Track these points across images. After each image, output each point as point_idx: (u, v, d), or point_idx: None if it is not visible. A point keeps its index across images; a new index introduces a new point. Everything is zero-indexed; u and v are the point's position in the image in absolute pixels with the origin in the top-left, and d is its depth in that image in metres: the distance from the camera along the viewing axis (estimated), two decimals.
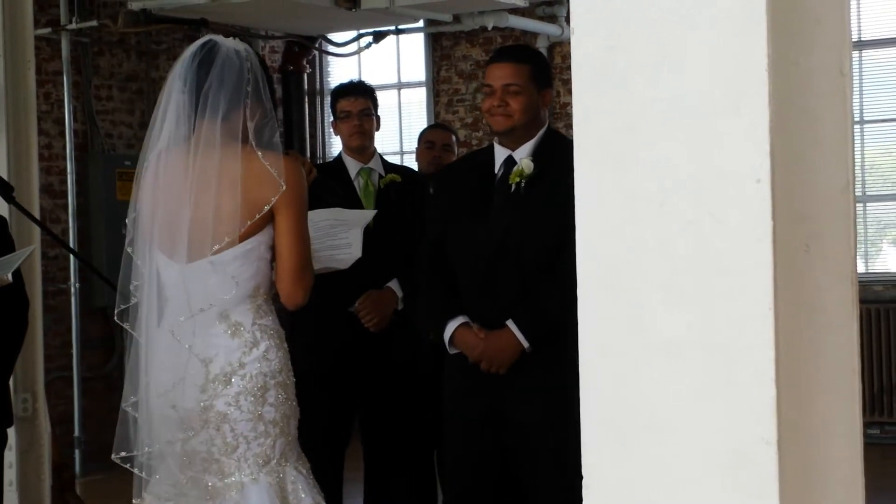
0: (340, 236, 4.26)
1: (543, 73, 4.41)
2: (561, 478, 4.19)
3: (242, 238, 3.63)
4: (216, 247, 3.60)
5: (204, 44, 3.69)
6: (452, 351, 4.31)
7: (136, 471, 3.68)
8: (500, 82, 4.26)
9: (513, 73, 4.27)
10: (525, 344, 4.19)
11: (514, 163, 4.29)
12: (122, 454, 3.66)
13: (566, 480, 4.19)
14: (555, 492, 4.23)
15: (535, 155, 4.28)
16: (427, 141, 6.58)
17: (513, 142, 4.31)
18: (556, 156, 4.26)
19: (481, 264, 4.26)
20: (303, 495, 3.69)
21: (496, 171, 4.33)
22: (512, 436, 4.27)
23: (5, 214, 4.93)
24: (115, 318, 3.71)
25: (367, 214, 4.61)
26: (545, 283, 4.19)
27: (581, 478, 1.76)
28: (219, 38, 3.72)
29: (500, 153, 4.35)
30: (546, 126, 4.37)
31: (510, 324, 4.20)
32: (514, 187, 4.27)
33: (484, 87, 4.39)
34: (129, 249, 3.67)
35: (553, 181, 4.22)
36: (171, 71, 3.71)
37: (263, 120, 3.67)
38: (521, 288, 4.21)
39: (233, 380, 3.63)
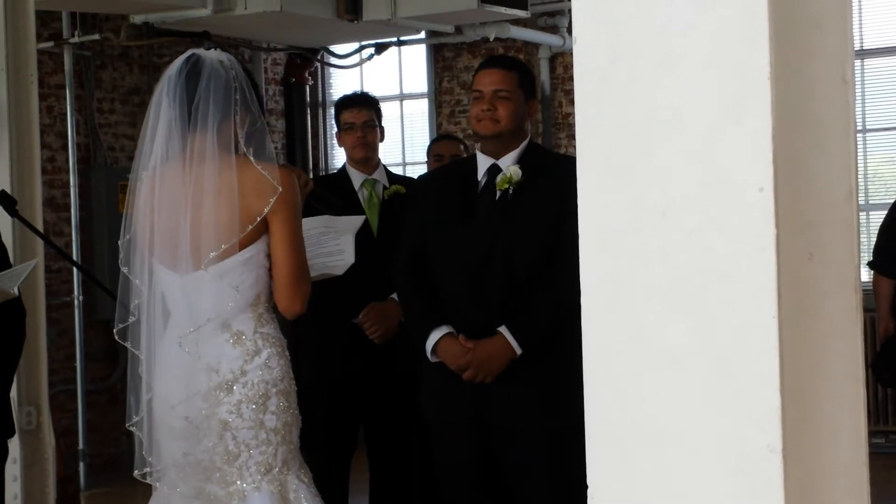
0: (332, 243, 4.27)
1: (530, 82, 4.48)
2: (551, 484, 4.19)
3: (242, 246, 3.64)
4: (212, 254, 3.61)
5: (188, 58, 3.74)
6: (434, 360, 4.30)
7: (155, 484, 3.71)
8: (489, 88, 4.34)
9: (502, 79, 4.35)
10: (518, 351, 4.18)
11: (499, 171, 4.31)
12: (144, 470, 3.70)
13: (556, 486, 4.19)
14: (545, 497, 4.22)
15: (520, 164, 4.30)
16: (436, 154, 6.58)
17: (497, 149, 4.33)
18: (542, 166, 4.31)
19: (468, 272, 4.25)
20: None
21: (479, 179, 4.35)
22: (499, 441, 4.27)
23: (8, 228, 4.94)
24: (116, 336, 3.72)
25: (357, 220, 4.61)
26: (537, 291, 4.19)
27: (577, 484, 1.76)
28: (201, 52, 3.77)
29: (484, 161, 4.36)
30: (529, 138, 4.40)
31: (503, 330, 4.19)
32: (499, 195, 4.28)
33: (473, 92, 4.42)
34: (124, 269, 3.69)
35: (540, 190, 4.25)
36: (157, 88, 3.77)
37: (253, 126, 3.71)
38: (509, 295, 4.21)
39: (234, 388, 3.63)
